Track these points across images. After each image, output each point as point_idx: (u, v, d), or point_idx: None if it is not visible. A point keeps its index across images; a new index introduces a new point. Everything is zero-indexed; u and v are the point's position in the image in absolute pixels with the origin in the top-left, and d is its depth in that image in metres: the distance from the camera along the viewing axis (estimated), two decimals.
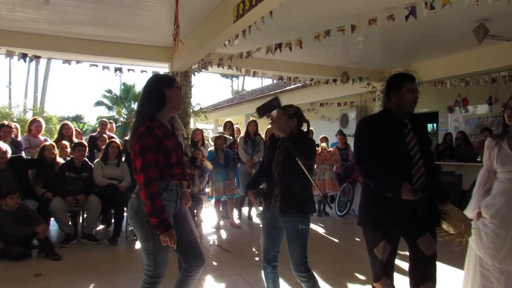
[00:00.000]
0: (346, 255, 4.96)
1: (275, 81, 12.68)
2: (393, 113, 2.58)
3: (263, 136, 7.28)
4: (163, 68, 8.36)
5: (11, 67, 38.00)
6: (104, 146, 5.87)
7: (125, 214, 5.66)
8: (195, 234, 2.61)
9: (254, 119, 7.54)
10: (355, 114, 12.19)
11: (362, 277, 4.17)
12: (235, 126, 7.72)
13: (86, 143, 5.80)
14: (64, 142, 5.99)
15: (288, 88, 13.10)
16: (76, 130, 7.28)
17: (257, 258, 4.81)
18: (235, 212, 7.22)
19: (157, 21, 6.53)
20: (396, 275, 2.63)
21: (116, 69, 7.96)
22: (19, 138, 6.31)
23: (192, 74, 8.16)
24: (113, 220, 5.76)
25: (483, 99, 8.68)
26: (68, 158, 5.59)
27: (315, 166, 6.94)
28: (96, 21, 6.56)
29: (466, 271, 2.96)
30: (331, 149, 8.00)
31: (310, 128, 2.98)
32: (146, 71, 8.11)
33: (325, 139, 8.20)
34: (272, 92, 14.74)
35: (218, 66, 7.42)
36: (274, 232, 2.83)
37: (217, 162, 6.33)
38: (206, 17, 6.13)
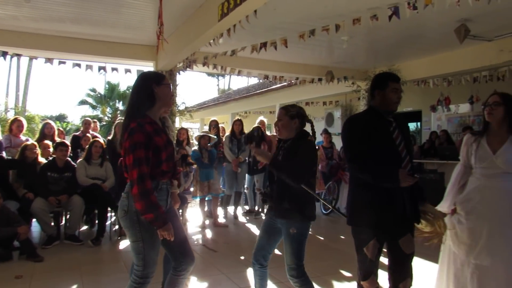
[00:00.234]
0: (331, 253, 4.99)
1: (261, 80, 12.70)
2: (378, 111, 2.62)
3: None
4: (147, 67, 8.29)
5: None
6: (87, 146, 5.80)
7: (109, 214, 5.63)
8: (184, 231, 2.60)
9: (239, 118, 7.55)
10: (340, 113, 12.29)
11: (346, 275, 4.20)
12: (220, 125, 7.70)
13: (68, 143, 5.72)
14: (47, 141, 5.89)
15: (273, 87, 13.13)
16: (58, 129, 7.18)
17: (242, 257, 4.81)
18: (220, 212, 7.21)
19: (141, 19, 6.47)
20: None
21: (99, 68, 7.86)
22: (0, 137, 6.19)
23: (177, 73, 8.11)
24: (96, 221, 5.69)
25: (464, 98, 8.84)
26: (50, 158, 5.51)
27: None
28: (78, 18, 6.46)
29: (440, 267, 2.99)
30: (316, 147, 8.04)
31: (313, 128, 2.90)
32: (130, 70, 8.01)
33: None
34: (258, 91, 14.77)
35: (203, 65, 7.39)
36: (270, 231, 2.81)
37: (202, 162, 6.31)
38: (191, 16, 6.09)
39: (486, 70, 7.42)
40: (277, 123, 2.81)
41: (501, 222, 2.67)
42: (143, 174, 2.21)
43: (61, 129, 7.92)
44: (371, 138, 2.53)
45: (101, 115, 23.24)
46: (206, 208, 6.73)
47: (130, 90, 2.47)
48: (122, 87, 24.37)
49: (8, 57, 7.13)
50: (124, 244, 5.31)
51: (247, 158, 7.16)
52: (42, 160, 5.51)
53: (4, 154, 5.65)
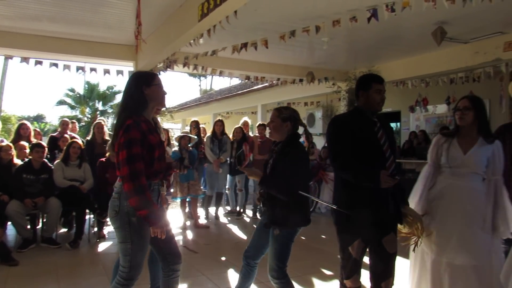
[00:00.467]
0: (312, 252, 5.02)
1: (242, 81, 12.69)
2: (362, 112, 2.66)
3: (230, 135, 7.28)
4: (127, 67, 8.19)
5: None
6: (65, 147, 5.69)
7: (87, 216, 5.53)
8: (171, 231, 2.59)
9: (221, 118, 7.54)
10: (321, 114, 12.38)
11: (327, 273, 4.24)
12: (201, 126, 7.67)
13: (45, 144, 5.60)
14: (23, 142, 5.75)
15: (255, 87, 13.14)
16: (35, 130, 7.03)
17: (223, 258, 4.80)
18: (202, 212, 7.18)
19: (120, 19, 6.38)
20: None
21: (78, 69, 7.72)
22: None
23: (158, 73, 8.03)
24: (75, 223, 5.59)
25: (442, 99, 9.01)
26: (26, 160, 5.38)
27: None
28: (55, 17, 6.34)
29: (412, 266, 3.02)
30: None
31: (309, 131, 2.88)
32: (109, 71, 7.90)
33: None
34: (240, 92, 14.75)
35: (184, 66, 7.34)
36: (262, 232, 2.79)
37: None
38: (171, 16, 6.05)
39: (462, 72, 7.58)
40: (269, 124, 2.79)
41: (471, 221, 2.74)
42: (138, 170, 2.19)
43: (37, 129, 7.74)
44: (356, 138, 2.56)
45: (80, 116, 22.85)
46: (187, 209, 6.69)
47: (122, 90, 2.46)
48: (102, 87, 24.05)
49: None
50: (103, 246, 5.23)
51: (228, 159, 7.15)
52: (17, 161, 5.37)
53: None
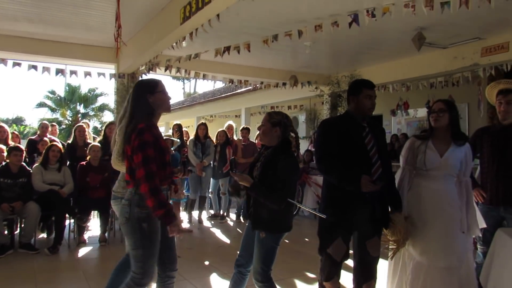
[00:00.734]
0: (295, 255, 5.03)
1: (226, 84, 12.69)
2: (352, 116, 2.69)
3: (213, 139, 7.27)
4: (108, 69, 8.08)
5: None
6: (44, 150, 5.58)
7: (67, 221, 5.43)
8: (173, 238, 2.59)
9: (204, 122, 7.51)
10: (304, 117, 12.47)
11: (310, 276, 4.25)
12: (184, 129, 7.62)
13: (23, 147, 5.49)
14: (0, 146, 5.63)
15: (239, 91, 13.15)
16: (13, 133, 6.88)
17: (206, 263, 4.77)
18: (185, 216, 7.13)
19: (101, 20, 6.31)
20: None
21: (57, 71, 7.59)
22: None
23: (140, 76, 7.96)
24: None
25: (422, 103, 9.17)
26: (4, 163, 5.26)
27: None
28: (33, 18, 6.23)
29: (392, 269, 3.03)
30: None
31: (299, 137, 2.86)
32: (90, 73, 7.79)
33: None
34: (223, 95, 14.74)
35: (166, 69, 7.29)
36: (250, 237, 2.77)
37: None
38: (153, 18, 6.02)
39: (441, 76, 7.73)
40: (260, 128, 2.78)
41: (450, 223, 2.78)
42: (153, 172, 2.24)
43: (16, 132, 7.57)
44: (343, 142, 2.59)
45: (61, 118, 22.49)
46: None
47: (128, 98, 2.49)
48: (84, 90, 23.71)
49: None
50: (84, 252, 5.15)
51: (211, 162, 7.13)
52: None
53: None
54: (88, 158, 5.57)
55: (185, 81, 38.96)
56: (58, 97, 23.33)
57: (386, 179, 2.67)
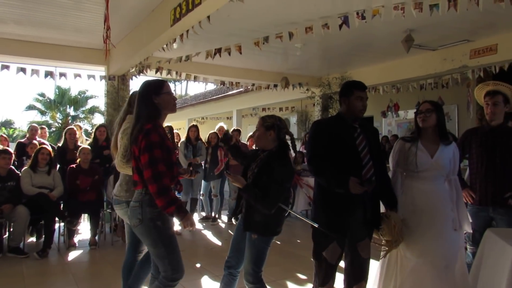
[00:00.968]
0: (286, 257, 5.03)
1: (218, 86, 12.70)
2: (344, 118, 2.69)
3: (204, 141, 7.25)
4: (99, 71, 8.04)
5: None
6: (33, 153, 5.53)
7: (57, 225, 5.37)
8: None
9: (195, 124, 7.49)
10: (296, 119, 12.50)
11: (302, 278, 4.24)
12: (174, 131, 7.59)
13: (11, 150, 5.42)
14: None
15: (230, 93, 13.15)
16: (1, 136, 6.82)
17: (198, 265, 4.75)
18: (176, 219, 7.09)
19: (91, 22, 6.27)
20: None
21: (46, 74, 7.53)
22: None
23: (130, 78, 7.93)
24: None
25: (412, 105, 9.22)
26: None
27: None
28: (22, 20, 6.18)
29: (386, 269, 3.02)
30: None
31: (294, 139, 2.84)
32: (80, 75, 7.73)
33: None
34: (215, 97, 14.72)
35: (157, 71, 7.27)
36: (239, 238, 2.76)
37: None
38: (143, 20, 6.00)
39: (431, 78, 7.81)
40: (255, 133, 2.77)
41: (445, 222, 2.78)
42: (161, 172, 2.26)
43: (4, 135, 7.48)
44: (334, 143, 2.59)
45: (51, 121, 22.27)
46: None
47: (136, 99, 2.51)
48: (74, 92, 23.52)
49: None
50: (74, 255, 5.10)
51: (203, 164, 7.11)
52: None
53: None
54: (78, 160, 5.52)
55: (176, 83, 38.87)
56: (48, 100, 23.11)
57: (378, 181, 2.66)
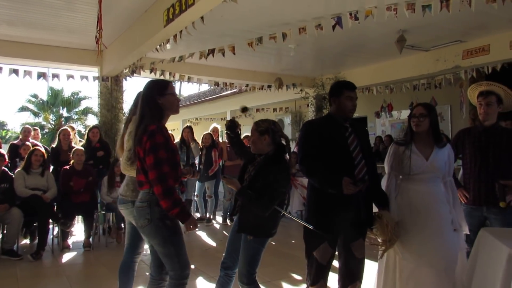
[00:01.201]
0: (281, 257, 5.04)
1: (211, 87, 12.69)
2: (334, 118, 2.69)
3: (199, 142, 7.25)
4: (92, 72, 8.00)
5: None
6: (26, 155, 5.49)
7: (50, 226, 5.34)
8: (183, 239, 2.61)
9: (190, 125, 7.48)
10: (290, 119, 12.51)
11: (297, 278, 4.26)
12: (169, 132, 7.57)
13: (4, 152, 5.38)
14: None
15: (224, 93, 13.14)
16: None
17: (192, 266, 4.72)
18: None
19: (84, 23, 6.23)
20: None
21: (39, 75, 7.48)
22: None
23: (124, 79, 7.90)
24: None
25: (406, 105, 9.27)
26: None
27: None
28: (14, 21, 6.13)
29: (384, 273, 3.02)
30: None
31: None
32: (73, 76, 7.69)
33: None
34: (208, 98, 14.70)
35: (151, 72, 7.25)
36: (235, 239, 2.76)
37: None
38: (136, 21, 5.98)
39: (424, 78, 7.85)
40: (250, 138, 2.77)
41: (443, 223, 2.77)
42: (165, 173, 2.27)
43: None
44: (325, 143, 2.58)
45: (44, 122, 22.11)
46: None
47: (136, 100, 2.55)
48: (67, 93, 23.36)
49: None
50: (68, 257, 5.07)
51: (197, 165, 7.10)
52: None
53: None
54: (71, 162, 5.50)
55: None
56: (41, 101, 22.94)
57: (370, 180, 2.67)
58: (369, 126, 11.26)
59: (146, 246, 2.83)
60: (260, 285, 2.72)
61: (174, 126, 17.09)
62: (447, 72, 7.33)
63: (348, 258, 2.68)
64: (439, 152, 2.84)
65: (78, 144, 6.29)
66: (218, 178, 7.25)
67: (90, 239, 5.42)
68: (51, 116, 22.44)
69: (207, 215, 7.36)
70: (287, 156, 2.78)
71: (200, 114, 16.10)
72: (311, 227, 2.58)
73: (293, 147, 9.89)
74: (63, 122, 20.66)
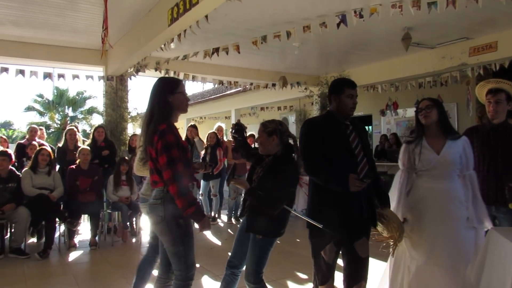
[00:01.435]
0: (286, 256, 5.03)
1: (216, 86, 12.69)
2: (334, 116, 2.67)
3: (204, 140, 7.26)
4: (97, 72, 8.03)
5: None
6: (33, 154, 5.52)
7: (57, 225, 5.37)
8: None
9: (194, 123, 7.49)
10: (295, 118, 12.50)
11: (303, 277, 4.25)
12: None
13: (11, 152, 5.42)
14: None
15: (228, 92, 13.14)
16: (1, 137, 6.81)
17: (198, 265, 4.73)
18: None
19: (89, 23, 6.26)
20: None
21: (45, 75, 7.51)
22: None
23: (129, 78, 7.92)
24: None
25: (411, 103, 9.21)
26: None
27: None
28: (20, 21, 6.16)
29: (393, 271, 2.96)
30: None
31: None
32: (78, 76, 7.72)
33: None
34: (213, 96, 14.70)
35: (156, 70, 7.27)
36: (243, 238, 2.76)
37: None
38: (141, 20, 5.98)
39: (430, 76, 7.80)
40: (257, 140, 2.76)
41: (455, 222, 2.71)
42: (180, 172, 2.25)
43: (4, 137, 7.48)
44: (327, 141, 2.56)
45: (49, 122, 22.25)
46: None
47: (149, 96, 2.48)
48: (72, 93, 23.50)
49: None
50: (74, 256, 5.10)
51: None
52: None
53: None
54: (77, 161, 5.52)
55: None
56: (47, 101, 23.11)
57: (373, 177, 2.66)
58: (374, 124, 11.22)
59: None
60: (267, 284, 2.72)
61: (179, 125, 16.88)
62: (454, 69, 7.27)
63: (352, 258, 2.65)
64: (452, 145, 2.77)
65: (82, 143, 6.33)
66: (223, 176, 7.25)
67: (96, 238, 5.44)
68: (56, 116, 22.60)
69: (212, 214, 7.38)
70: (295, 156, 2.77)
71: (205, 113, 16.12)
72: (320, 226, 2.57)
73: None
74: (68, 122, 20.77)
